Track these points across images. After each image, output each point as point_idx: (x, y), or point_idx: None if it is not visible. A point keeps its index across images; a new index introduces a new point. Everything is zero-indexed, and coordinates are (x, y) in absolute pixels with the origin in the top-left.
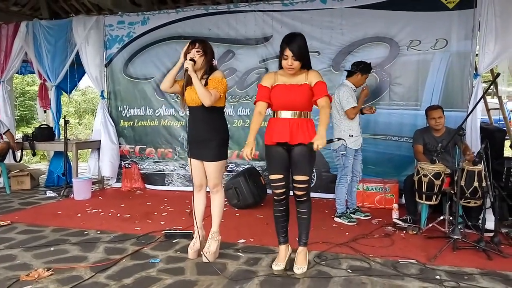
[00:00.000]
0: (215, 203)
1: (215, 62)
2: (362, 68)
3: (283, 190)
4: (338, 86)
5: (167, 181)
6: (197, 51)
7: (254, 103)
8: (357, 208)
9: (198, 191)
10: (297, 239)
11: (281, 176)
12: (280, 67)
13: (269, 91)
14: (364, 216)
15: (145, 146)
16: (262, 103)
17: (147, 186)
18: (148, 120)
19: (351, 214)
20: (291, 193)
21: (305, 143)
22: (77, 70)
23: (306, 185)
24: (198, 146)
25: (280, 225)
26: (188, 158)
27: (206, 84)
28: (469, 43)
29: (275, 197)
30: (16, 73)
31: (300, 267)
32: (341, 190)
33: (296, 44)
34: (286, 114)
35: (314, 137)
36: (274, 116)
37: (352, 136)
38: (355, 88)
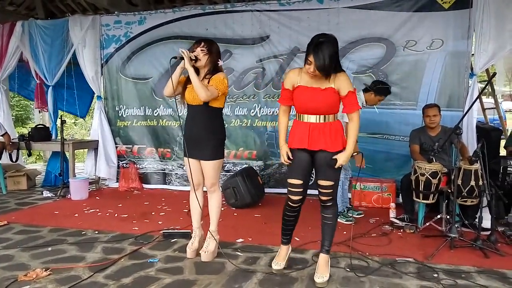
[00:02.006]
0: (213, 202)
1: (220, 63)
2: (378, 89)
3: (300, 197)
4: None
5: (167, 180)
6: (201, 49)
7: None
8: (350, 206)
9: (196, 190)
10: (320, 245)
11: (300, 182)
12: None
13: (290, 93)
14: (357, 214)
15: (145, 146)
16: (284, 106)
17: (148, 185)
18: (148, 120)
19: (347, 213)
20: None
21: (327, 149)
22: (74, 69)
23: (331, 190)
24: (195, 146)
25: (288, 227)
26: (185, 158)
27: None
28: (464, 43)
29: (289, 202)
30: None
31: (321, 276)
32: (338, 189)
33: (322, 54)
34: (308, 119)
35: (340, 148)
36: (297, 118)
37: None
38: (365, 104)
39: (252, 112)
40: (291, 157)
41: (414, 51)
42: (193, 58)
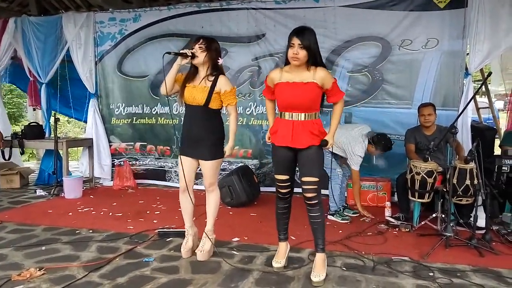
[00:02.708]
0: (211, 201)
1: (221, 61)
2: (377, 143)
3: (288, 190)
4: (356, 136)
5: (167, 177)
6: (199, 46)
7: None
8: (346, 205)
9: (185, 190)
10: (314, 245)
11: (286, 177)
12: (287, 63)
13: (271, 89)
14: (352, 214)
15: (145, 143)
16: (267, 98)
17: (149, 181)
18: (146, 118)
19: (343, 212)
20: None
21: (310, 145)
22: (67, 67)
23: (315, 186)
24: (193, 145)
25: (282, 222)
26: (180, 156)
27: (214, 85)
28: (460, 43)
29: (279, 195)
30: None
31: (318, 274)
32: (335, 187)
33: (304, 34)
34: (290, 116)
35: (326, 136)
36: (280, 116)
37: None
38: (366, 151)
39: (248, 111)
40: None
41: (409, 50)
42: (189, 54)
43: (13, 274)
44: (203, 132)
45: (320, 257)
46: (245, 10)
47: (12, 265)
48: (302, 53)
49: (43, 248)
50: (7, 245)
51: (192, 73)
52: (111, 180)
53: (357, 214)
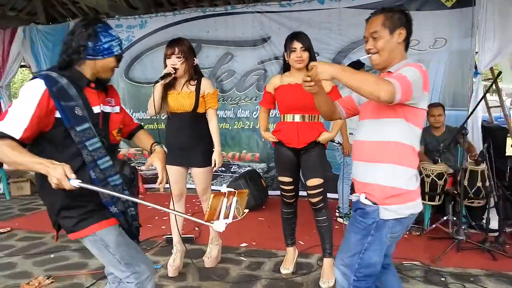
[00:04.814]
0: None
1: (196, 61)
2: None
3: (292, 194)
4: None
5: None
6: (177, 58)
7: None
8: None
9: (178, 201)
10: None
11: (290, 179)
12: (285, 70)
13: (272, 97)
14: None
15: None
16: (264, 108)
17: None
18: (155, 123)
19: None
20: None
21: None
22: None
23: (321, 189)
24: (183, 154)
25: (288, 227)
26: (168, 166)
27: (198, 88)
28: (468, 42)
29: (283, 199)
30: None
31: (326, 281)
32: (344, 189)
33: (302, 37)
34: (292, 118)
35: (324, 147)
36: (282, 119)
37: (352, 134)
38: None
39: (255, 114)
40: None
41: (417, 50)
42: (173, 72)
43: (22, 283)
44: (194, 139)
45: (328, 263)
46: (250, 14)
47: (21, 274)
48: (305, 55)
49: (52, 255)
50: (16, 253)
51: (171, 80)
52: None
53: None
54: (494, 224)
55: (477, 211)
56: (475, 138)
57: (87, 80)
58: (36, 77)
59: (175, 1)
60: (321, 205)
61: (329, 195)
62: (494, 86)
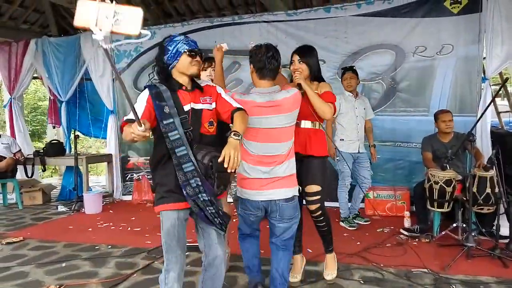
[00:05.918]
0: None
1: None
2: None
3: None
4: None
5: None
6: (213, 70)
7: None
8: (358, 213)
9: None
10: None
11: None
12: (291, 80)
13: None
14: (364, 222)
15: None
16: None
17: None
18: None
19: (353, 219)
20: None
21: (317, 154)
22: (85, 84)
23: (318, 196)
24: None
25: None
26: None
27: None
28: (475, 48)
29: None
30: None
31: (329, 273)
32: (341, 195)
33: (303, 50)
34: (305, 124)
35: (325, 154)
36: None
37: (343, 140)
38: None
39: None
40: None
41: (424, 57)
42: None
43: None
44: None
45: (330, 257)
46: (257, 23)
47: (33, 283)
48: (302, 66)
49: (63, 264)
50: (28, 262)
51: None
52: (125, 194)
53: (369, 222)
54: (504, 230)
55: (487, 218)
56: (484, 144)
57: (178, 85)
58: (145, 87)
59: (183, 12)
60: (319, 212)
61: (337, 203)
62: (504, 91)
